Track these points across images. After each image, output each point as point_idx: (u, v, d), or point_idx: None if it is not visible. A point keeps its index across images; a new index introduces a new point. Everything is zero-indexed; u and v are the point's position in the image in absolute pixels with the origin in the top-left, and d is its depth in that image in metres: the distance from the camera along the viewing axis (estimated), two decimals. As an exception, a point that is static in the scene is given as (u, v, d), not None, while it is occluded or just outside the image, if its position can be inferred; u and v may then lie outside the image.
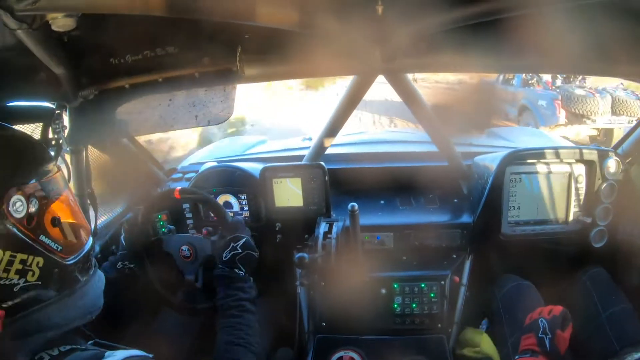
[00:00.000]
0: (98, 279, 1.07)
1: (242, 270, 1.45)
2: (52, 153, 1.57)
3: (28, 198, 0.87)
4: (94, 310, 1.03)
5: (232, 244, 1.49)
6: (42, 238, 0.89)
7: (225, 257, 1.47)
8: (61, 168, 1.01)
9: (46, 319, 0.89)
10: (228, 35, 1.40)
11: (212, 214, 1.96)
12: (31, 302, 0.87)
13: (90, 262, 1.05)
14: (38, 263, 0.87)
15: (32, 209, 0.88)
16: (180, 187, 1.63)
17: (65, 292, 0.94)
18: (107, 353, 0.91)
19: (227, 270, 1.44)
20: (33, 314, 0.87)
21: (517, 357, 1.35)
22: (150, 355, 0.98)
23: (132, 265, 1.59)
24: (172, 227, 1.76)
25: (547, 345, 1.31)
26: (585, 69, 1.59)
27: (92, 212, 1.75)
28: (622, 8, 1.18)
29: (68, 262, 0.95)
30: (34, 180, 0.90)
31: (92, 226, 1.75)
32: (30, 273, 0.86)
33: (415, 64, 1.62)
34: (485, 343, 1.74)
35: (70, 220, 0.98)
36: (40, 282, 0.88)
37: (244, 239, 1.51)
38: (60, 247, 0.93)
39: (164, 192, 1.74)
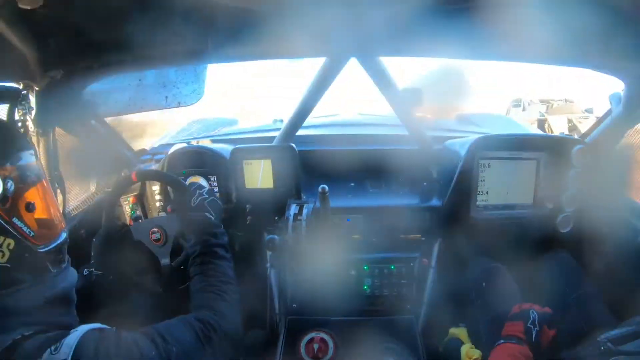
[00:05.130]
0: (70, 274, 1.06)
1: (212, 215, 1.43)
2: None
3: (4, 179, 0.87)
4: (63, 306, 1.01)
5: (197, 191, 1.47)
6: (15, 221, 0.89)
7: (194, 203, 1.44)
8: (39, 158, 1.01)
9: (13, 304, 0.88)
10: (199, 14, 1.38)
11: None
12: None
13: (62, 256, 1.03)
14: (9, 245, 0.87)
15: (8, 191, 0.87)
16: (137, 170, 1.60)
17: (36, 279, 0.93)
18: (71, 330, 0.91)
19: (198, 215, 1.41)
20: (1, 297, 0.86)
21: (501, 341, 1.38)
22: (114, 329, 0.98)
23: (99, 272, 1.53)
24: (139, 214, 1.73)
25: (533, 336, 1.35)
26: (558, 59, 1.61)
27: (60, 196, 1.72)
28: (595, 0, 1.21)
29: (40, 250, 0.94)
30: (10, 163, 0.90)
31: (61, 210, 1.72)
32: (0, 254, 0.86)
33: (388, 47, 1.63)
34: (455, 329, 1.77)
35: (45, 209, 0.97)
36: (9, 265, 0.87)
37: (206, 187, 1.51)
38: (33, 233, 0.92)
39: (122, 178, 1.70)
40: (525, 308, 1.45)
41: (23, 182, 0.92)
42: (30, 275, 0.91)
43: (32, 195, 0.94)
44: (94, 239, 1.60)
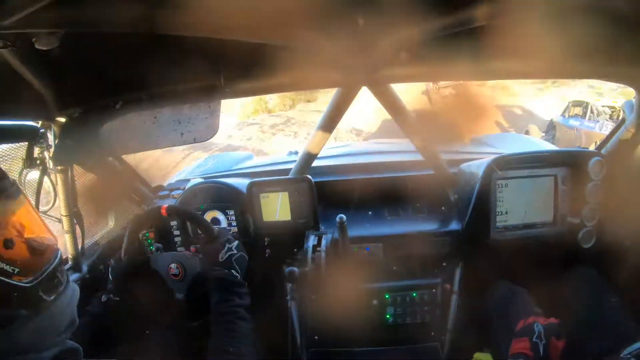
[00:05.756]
0: (70, 295, 1.02)
1: (238, 273, 1.44)
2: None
3: None
4: (68, 329, 0.99)
5: (227, 245, 1.48)
6: None
7: (222, 258, 1.45)
8: (15, 182, 0.95)
9: (12, 344, 0.85)
10: (212, 50, 1.39)
11: (199, 231, 1.93)
12: None
13: (58, 279, 0.98)
14: None
15: None
16: (167, 205, 1.61)
17: (30, 314, 0.89)
18: None
19: (225, 272, 1.42)
20: None
21: None
22: None
23: (117, 299, 1.54)
24: (160, 245, 1.74)
25: (541, 351, 1.31)
26: (566, 72, 1.62)
27: (79, 232, 1.74)
28: (599, 10, 1.21)
29: (27, 285, 0.89)
30: None
31: (80, 246, 1.74)
32: None
33: (398, 74, 1.63)
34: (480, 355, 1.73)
35: (28, 238, 0.92)
36: None
37: (237, 242, 1.51)
38: (16, 270, 0.87)
39: (150, 209, 1.71)
40: (529, 322, 1.42)
41: None
42: (23, 310, 0.88)
43: (9, 230, 0.88)
44: (112, 262, 1.61)
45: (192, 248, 1.70)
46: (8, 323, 0.85)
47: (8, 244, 0.87)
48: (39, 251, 0.94)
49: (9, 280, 0.86)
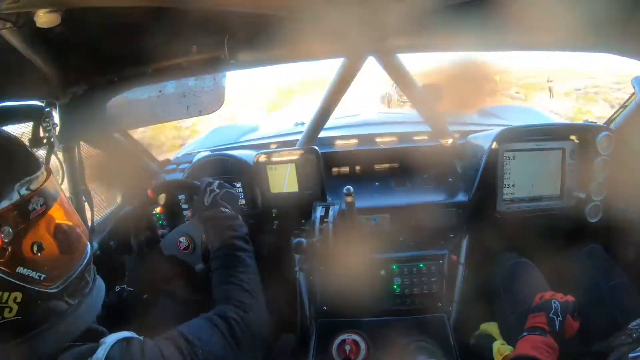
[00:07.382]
0: (95, 295, 0.98)
1: (227, 208, 1.42)
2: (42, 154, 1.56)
3: None
4: (89, 324, 0.95)
5: (208, 189, 1.46)
6: (20, 270, 0.79)
7: (207, 202, 1.43)
8: (51, 172, 0.90)
9: (32, 349, 0.81)
10: (216, 23, 1.38)
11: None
12: (10, 336, 0.79)
13: (85, 280, 0.95)
14: (16, 298, 0.78)
15: (5, 240, 0.77)
16: (153, 186, 1.61)
17: (52, 321, 0.85)
18: (101, 341, 0.88)
19: (212, 212, 1.40)
20: (17, 346, 0.80)
21: (525, 333, 1.35)
22: (141, 338, 0.95)
23: (131, 289, 1.54)
24: (164, 231, 1.74)
25: (557, 326, 1.32)
26: (577, 45, 1.58)
27: (88, 209, 1.75)
28: None
29: (53, 291, 0.85)
30: (4, 204, 0.78)
31: (89, 223, 1.75)
32: (6, 310, 0.77)
33: (406, 44, 1.61)
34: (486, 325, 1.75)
35: (60, 239, 0.87)
36: (20, 317, 0.79)
37: (217, 182, 1.49)
38: (43, 275, 0.82)
39: (139, 196, 1.69)
40: (546, 298, 1.43)
41: (25, 220, 0.81)
42: (45, 318, 0.84)
43: (39, 231, 0.83)
44: (127, 257, 1.62)
45: (189, 214, 1.69)
46: (28, 330, 0.82)
47: (36, 247, 0.82)
48: (70, 248, 0.89)
49: (35, 288, 0.82)
